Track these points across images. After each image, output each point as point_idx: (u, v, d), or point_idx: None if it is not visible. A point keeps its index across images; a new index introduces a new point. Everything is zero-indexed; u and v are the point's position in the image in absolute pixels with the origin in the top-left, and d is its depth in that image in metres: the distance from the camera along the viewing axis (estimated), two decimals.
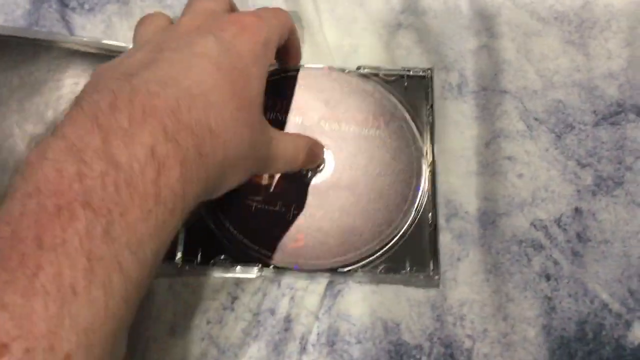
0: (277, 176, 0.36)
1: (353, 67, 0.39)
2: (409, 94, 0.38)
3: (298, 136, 0.35)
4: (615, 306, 0.35)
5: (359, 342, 0.34)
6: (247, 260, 0.35)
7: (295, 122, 0.37)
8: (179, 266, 0.35)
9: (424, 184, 0.36)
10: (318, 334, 0.35)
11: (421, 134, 0.37)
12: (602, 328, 0.34)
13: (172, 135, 0.23)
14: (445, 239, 0.36)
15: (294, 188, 0.36)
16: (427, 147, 0.37)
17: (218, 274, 0.35)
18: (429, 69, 0.39)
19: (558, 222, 0.36)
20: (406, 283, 0.35)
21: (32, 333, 0.18)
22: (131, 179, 0.22)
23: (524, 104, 0.39)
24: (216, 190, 0.27)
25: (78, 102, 0.24)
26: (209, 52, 0.27)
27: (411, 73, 0.39)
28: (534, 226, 0.36)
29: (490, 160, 0.38)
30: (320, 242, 0.35)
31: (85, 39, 0.40)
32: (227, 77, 0.27)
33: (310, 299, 0.35)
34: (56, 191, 0.20)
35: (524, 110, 0.39)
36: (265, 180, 0.36)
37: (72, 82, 0.38)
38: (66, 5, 0.42)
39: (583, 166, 0.38)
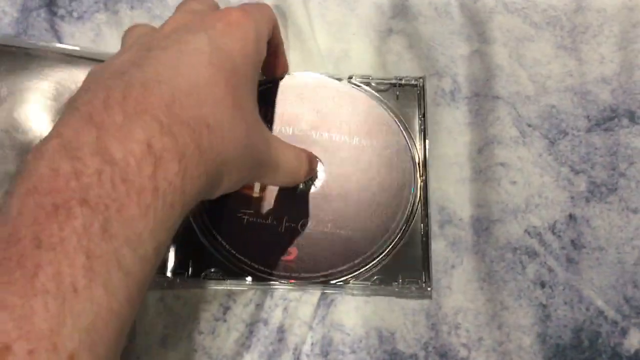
0: (269, 188, 0.36)
1: (344, 72, 0.39)
2: (401, 103, 0.38)
3: (299, 148, 0.34)
4: (611, 313, 0.34)
5: (353, 352, 0.34)
6: (238, 273, 0.34)
7: (285, 132, 0.37)
8: (169, 279, 0.34)
9: (417, 194, 0.36)
10: (312, 344, 0.34)
11: (414, 143, 0.37)
12: (598, 335, 0.34)
13: (169, 129, 0.23)
14: (439, 247, 0.36)
15: (286, 200, 0.36)
16: (419, 157, 0.37)
17: (209, 286, 0.35)
18: (420, 77, 0.39)
19: (552, 228, 0.36)
20: (398, 295, 0.35)
21: (34, 333, 0.18)
22: (127, 174, 0.21)
23: (516, 110, 0.39)
24: (215, 189, 0.27)
25: (72, 102, 0.24)
26: (200, 48, 0.26)
27: (403, 82, 0.38)
28: (528, 233, 0.36)
29: (483, 167, 0.38)
30: (314, 254, 0.35)
31: (74, 48, 0.39)
32: (220, 73, 0.26)
33: (304, 309, 0.35)
34: (53, 190, 0.20)
35: (517, 116, 0.39)
36: (256, 192, 0.36)
37: (62, 90, 0.38)
38: (55, 14, 0.41)
39: (577, 172, 0.37)
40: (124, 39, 0.31)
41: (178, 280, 0.34)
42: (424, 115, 0.38)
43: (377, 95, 0.38)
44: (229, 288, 0.35)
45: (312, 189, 0.36)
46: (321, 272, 0.34)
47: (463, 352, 0.34)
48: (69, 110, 0.23)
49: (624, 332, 0.34)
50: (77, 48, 0.40)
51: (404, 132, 0.37)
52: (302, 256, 0.35)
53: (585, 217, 0.36)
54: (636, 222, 0.36)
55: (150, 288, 0.34)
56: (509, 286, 0.35)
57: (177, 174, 0.23)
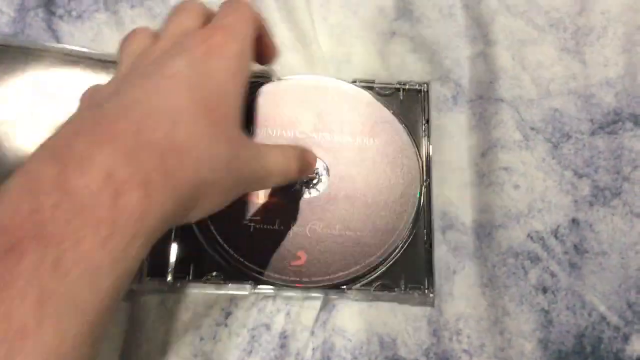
0: (274, 194, 0.36)
1: (347, 76, 0.38)
2: (404, 108, 0.38)
3: (286, 146, 0.34)
4: (614, 319, 0.34)
5: (355, 357, 0.34)
6: (243, 278, 0.34)
7: (287, 135, 0.37)
8: (170, 283, 0.34)
9: (420, 199, 0.36)
10: (313, 349, 0.34)
11: (418, 149, 0.37)
12: (601, 341, 0.34)
13: (134, 157, 0.22)
14: (441, 252, 0.36)
15: (292, 205, 0.35)
16: (422, 162, 0.37)
17: (210, 291, 0.34)
18: (425, 83, 0.38)
19: (555, 233, 0.36)
20: (401, 301, 0.35)
21: None
22: (84, 206, 0.21)
23: (520, 113, 0.39)
24: (192, 211, 0.26)
25: (49, 139, 0.24)
26: (179, 72, 0.26)
27: (407, 87, 0.38)
28: (531, 238, 0.36)
29: (486, 171, 0.37)
30: (323, 257, 0.34)
31: (73, 48, 0.39)
32: (198, 94, 0.26)
33: (306, 314, 0.34)
34: (9, 229, 0.20)
35: (520, 120, 0.38)
36: (261, 199, 0.35)
37: (60, 91, 0.38)
38: (53, 13, 0.41)
39: (580, 176, 0.37)
40: (121, 52, 0.31)
41: (179, 285, 0.34)
42: (427, 121, 0.37)
43: (381, 98, 0.38)
44: (230, 292, 0.35)
45: (319, 192, 0.36)
46: (331, 275, 0.34)
47: (465, 358, 0.34)
48: (44, 143, 0.23)
49: (626, 338, 0.34)
50: (76, 48, 0.39)
51: (408, 136, 0.37)
52: (311, 259, 0.34)
53: (589, 222, 0.36)
54: None
55: (151, 292, 0.34)
56: (511, 291, 0.35)
57: (139, 202, 0.22)
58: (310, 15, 0.40)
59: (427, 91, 0.38)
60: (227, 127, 0.27)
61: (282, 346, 0.34)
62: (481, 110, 0.39)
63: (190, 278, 0.34)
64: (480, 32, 0.41)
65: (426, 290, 0.34)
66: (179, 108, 0.25)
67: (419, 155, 0.37)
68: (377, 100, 0.38)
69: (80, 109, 0.26)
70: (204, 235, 0.34)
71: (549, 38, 0.41)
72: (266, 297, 0.35)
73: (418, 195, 0.36)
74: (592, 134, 0.38)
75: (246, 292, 0.34)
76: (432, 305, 0.35)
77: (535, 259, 0.36)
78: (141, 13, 0.41)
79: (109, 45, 0.40)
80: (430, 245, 0.35)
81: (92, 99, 0.27)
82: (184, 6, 0.31)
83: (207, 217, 0.34)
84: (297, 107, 0.37)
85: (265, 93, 0.37)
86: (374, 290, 0.34)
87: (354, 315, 0.35)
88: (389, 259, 0.35)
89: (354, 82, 0.38)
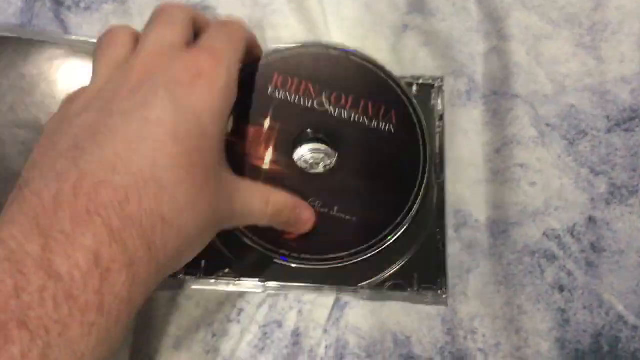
0: (277, 162, 0.34)
1: None
2: (417, 102, 0.36)
3: (272, 191, 0.31)
4: (631, 318, 0.34)
5: (369, 355, 0.33)
6: (252, 268, 0.33)
7: (304, 104, 0.35)
8: (181, 279, 0.33)
9: (433, 197, 0.35)
10: (326, 347, 0.34)
11: (431, 145, 0.36)
12: (618, 341, 0.34)
13: (119, 235, 0.22)
14: (454, 250, 0.35)
15: (294, 178, 0.34)
16: (436, 160, 0.36)
17: (222, 288, 0.34)
18: (439, 77, 0.38)
19: (571, 231, 0.36)
20: (414, 301, 0.34)
21: None
22: (71, 290, 0.20)
23: (535, 109, 0.38)
24: (174, 270, 0.26)
25: (21, 186, 0.23)
26: (163, 118, 0.25)
27: (421, 81, 0.37)
28: (547, 236, 0.36)
29: (501, 168, 0.37)
30: (315, 236, 0.33)
31: (80, 39, 0.38)
32: (184, 147, 0.25)
33: (319, 311, 0.34)
34: None
35: (536, 116, 0.38)
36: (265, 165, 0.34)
37: (67, 83, 0.37)
38: (61, 4, 0.40)
39: (597, 174, 0.37)
40: (96, 58, 0.30)
41: (190, 281, 0.33)
42: (441, 117, 0.37)
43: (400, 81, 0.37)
44: (242, 290, 0.34)
45: (321, 170, 0.35)
46: (323, 255, 0.33)
47: (480, 358, 0.33)
48: (16, 199, 0.22)
49: None
50: (83, 39, 0.38)
51: (421, 130, 0.36)
52: (303, 236, 0.33)
53: (606, 220, 0.36)
54: None
55: (162, 288, 0.34)
56: (527, 290, 0.34)
57: (124, 283, 0.22)
58: (322, 8, 0.40)
59: (441, 86, 0.37)
60: (208, 179, 0.26)
61: (295, 344, 0.33)
62: (496, 106, 0.38)
63: (202, 275, 0.33)
64: (494, 26, 0.40)
65: (439, 291, 0.34)
66: (164, 171, 0.24)
67: (433, 152, 0.36)
68: (393, 83, 0.36)
69: (52, 146, 0.25)
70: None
71: (564, 33, 0.40)
72: (278, 294, 0.34)
73: (430, 196, 0.35)
74: (609, 131, 0.38)
75: (258, 291, 0.34)
76: (445, 304, 0.34)
77: (551, 258, 0.35)
78: (149, 4, 0.40)
79: None
80: (444, 245, 0.35)
81: (65, 132, 0.25)
82: (170, 12, 0.30)
83: None
84: (320, 77, 0.36)
85: (293, 54, 0.36)
86: (386, 290, 0.34)
87: (367, 314, 0.34)
88: (395, 263, 0.34)
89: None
